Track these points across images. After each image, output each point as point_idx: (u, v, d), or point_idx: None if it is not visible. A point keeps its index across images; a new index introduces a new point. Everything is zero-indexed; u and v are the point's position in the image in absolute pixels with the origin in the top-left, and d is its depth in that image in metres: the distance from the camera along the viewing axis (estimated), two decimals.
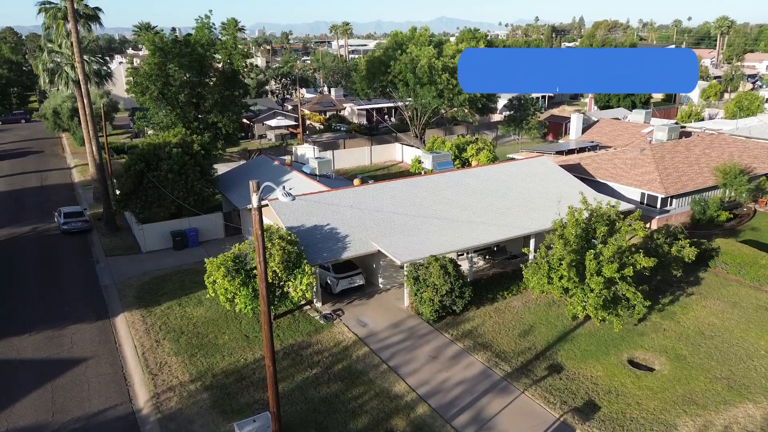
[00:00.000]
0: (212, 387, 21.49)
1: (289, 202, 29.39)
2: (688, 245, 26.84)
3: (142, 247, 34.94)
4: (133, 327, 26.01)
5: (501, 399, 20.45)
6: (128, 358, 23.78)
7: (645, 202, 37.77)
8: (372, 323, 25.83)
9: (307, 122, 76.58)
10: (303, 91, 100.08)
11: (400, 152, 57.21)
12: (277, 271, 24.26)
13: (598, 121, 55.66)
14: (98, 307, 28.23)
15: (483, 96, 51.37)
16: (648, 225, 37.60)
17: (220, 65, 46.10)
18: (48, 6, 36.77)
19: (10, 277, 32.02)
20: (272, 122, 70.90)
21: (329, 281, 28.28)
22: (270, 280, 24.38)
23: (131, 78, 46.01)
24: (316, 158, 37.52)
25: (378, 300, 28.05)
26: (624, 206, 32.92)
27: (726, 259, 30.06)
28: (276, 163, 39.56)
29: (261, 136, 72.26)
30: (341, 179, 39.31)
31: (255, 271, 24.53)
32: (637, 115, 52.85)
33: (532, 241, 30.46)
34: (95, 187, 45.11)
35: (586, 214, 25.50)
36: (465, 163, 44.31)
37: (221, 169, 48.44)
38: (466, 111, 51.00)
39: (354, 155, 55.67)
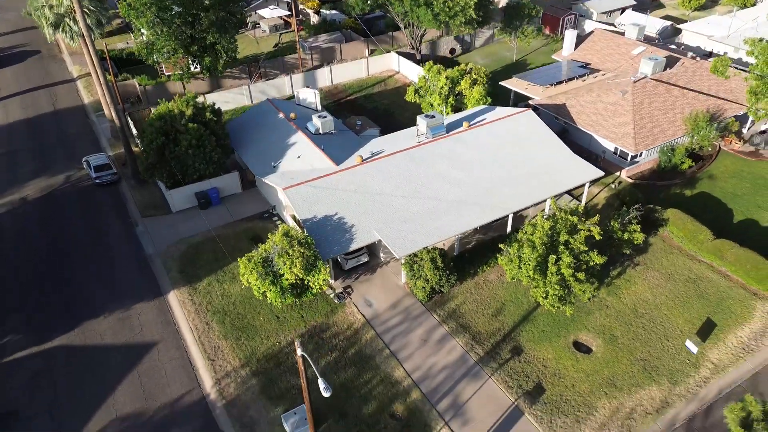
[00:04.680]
0: (258, 373, 28.54)
1: (301, 190, 34.01)
2: (639, 230, 32.33)
3: (171, 207, 39.89)
4: (184, 307, 32.43)
5: (473, 384, 27.71)
6: (188, 341, 30.57)
7: (618, 153, 41.89)
8: (376, 303, 32.28)
9: (300, 6, 74.77)
10: None
11: (397, 63, 58.43)
12: (299, 274, 29.95)
13: (593, 31, 56.14)
14: (151, 283, 34.25)
15: (479, 15, 51.46)
16: (618, 174, 42.23)
17: None
18: None
19: (61, 245, 37.14)
20: (265, 12, 69.69)
21: (340, 260, 34.08)
22: (293, 281, 30.23)
23: (125, 1, 47.03)
24: (319, 117, 40.56)
25: (380, 275, 34.13)
26: (595, 173, 37.41)
27: (672, 228, 35.57)
28: (281, 115, 42.43)
29: (255, 25, 71.49)
30: (344, 131, 42.56)
31: (281, 271, 30.15)
32: (632, 30, 52.98)
33: (510, 217, 35.63)
34: (111, 126, 48.20)
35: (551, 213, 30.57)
36: (459, 95, 46.76)
37: (224, 97, 51.19)
38: (464, 31, 51.54)
39: (351, 69, 57.11)
